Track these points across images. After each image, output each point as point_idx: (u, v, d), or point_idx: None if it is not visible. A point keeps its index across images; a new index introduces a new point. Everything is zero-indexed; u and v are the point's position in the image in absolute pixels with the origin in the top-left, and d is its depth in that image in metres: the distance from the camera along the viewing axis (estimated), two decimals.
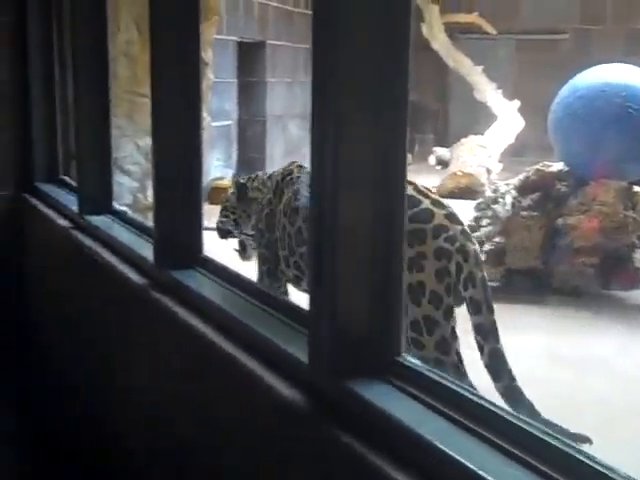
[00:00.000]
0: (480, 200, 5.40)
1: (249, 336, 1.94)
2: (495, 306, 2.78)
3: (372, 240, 1.63)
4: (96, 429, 3.01)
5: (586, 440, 2.56)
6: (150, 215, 4.29)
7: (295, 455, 1.70)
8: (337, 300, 1.64)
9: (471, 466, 1.32)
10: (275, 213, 3.26)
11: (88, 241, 3.12)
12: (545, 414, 2.54)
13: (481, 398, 1.50)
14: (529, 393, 2.62)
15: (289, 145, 11.07)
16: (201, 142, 2.49)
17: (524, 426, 1.38)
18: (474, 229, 5.17)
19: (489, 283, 2.89)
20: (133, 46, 4.19)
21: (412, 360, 1.68)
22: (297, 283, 3.26)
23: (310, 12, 1.74)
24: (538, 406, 2.62)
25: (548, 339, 4.27)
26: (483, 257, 5.00)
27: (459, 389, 1.55)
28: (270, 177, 3.45)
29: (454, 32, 12.41)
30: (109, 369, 2.87)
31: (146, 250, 2.65)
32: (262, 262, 3.35)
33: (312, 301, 1.72)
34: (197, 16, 2.38)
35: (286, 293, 3.32)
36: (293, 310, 1.97)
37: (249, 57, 10.04)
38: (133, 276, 2.60)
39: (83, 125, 3.33)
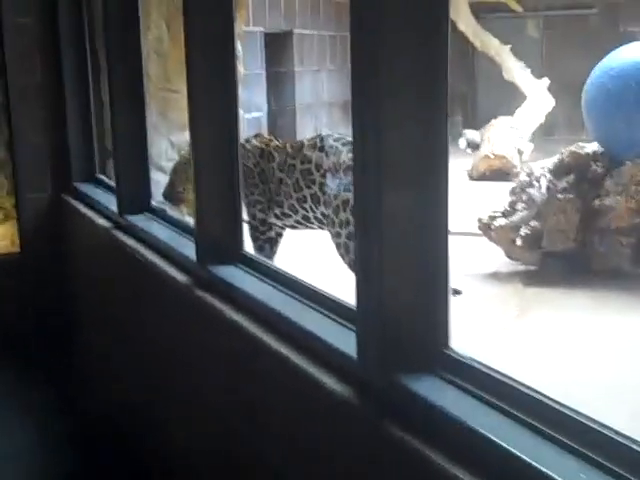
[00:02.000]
0: (514, 184, 5.36)
1: (295, 332, 1.95)
2: (536, 289, 2.77)
3: (417, 232, 1.63)
4: (142, 426, 3.06)
5: (455, 292, 2.72)
6: (184, 209, 4.36)
7: (346, 450, 1.71)
8: (384, 294, 1.64)
9: (526, 458, 1.32)
10: (266, 170, 4.18)
11: (129, 240, 3.16)
12: None
13: (532, 389, 1.49)
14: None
15: (318, 128, 11.04)
16: (239, 137, 2.51)
17: (578, 418, 1.37)
18: (509, 213, 5.14)
19: (527, 267, 2.93)
20: (163, 43, 4.21)
21: (460, 352, 1.69)
22: (285, 220, 4.20)
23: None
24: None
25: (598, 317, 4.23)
26: (519, 241, 4.98)
27: (510, 381, 1.55)
28: (249, 148, 4.29)
29: (480, 12, 12.27)
30: (155, 368, 2.91)
31: (187, 248, 2.67)
32: (253, 205, 4.23)
33: (359, 296, 1.72)
34: (231, 10, 2.39)
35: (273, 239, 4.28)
36: (339, 305, 1.97)
37: (276, 47, 10.03)
38: (176, 274, 2.63)
39: (119, 124, 3.35)
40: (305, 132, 10.58)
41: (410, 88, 1.57)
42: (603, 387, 3.19)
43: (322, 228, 4.06)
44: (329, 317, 1.97)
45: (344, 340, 1.80)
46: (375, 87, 1.57)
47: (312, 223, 4.09)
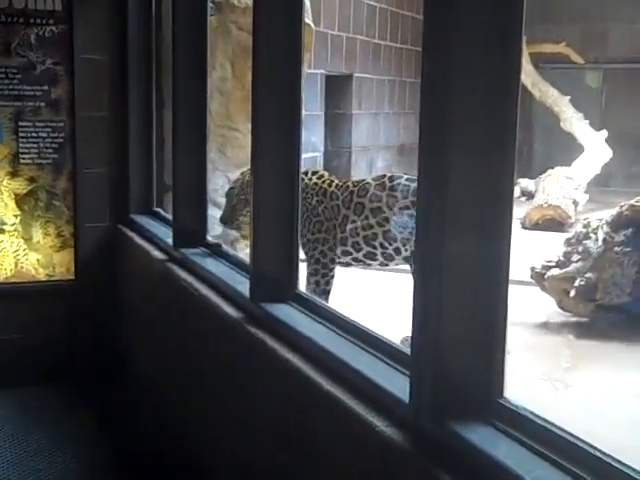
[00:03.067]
0: (569, 235, 5.29)
1: (348, 373, 1.94)
2: (588, 342, 2.71)
3: (478, 280, 1.62)
4: (190, 460, 3.06)
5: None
6: (238, 247, 4.41)
7: None
8: (440, 341, 1.63)
9: None
10: (330, 207, 4.37)
11: (183, 273, 3.20)
12: None
13: (589, 445, 1.46)
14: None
15: (374, 172, 11.10)
16: (299, 177, 2.54)
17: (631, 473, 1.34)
18: (564, 264, 5.07)
19: (579, 319, 2.95)
20: (226, 83, 4.31)
21: (515, 403, 1.66)
22: (342, 258, 4.38)
23: (393, 45, 1.76)
24: None
25: None
26: (573, 292, 4.90)
27: (565, 435, 1.52)
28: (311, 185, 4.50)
29: (539, 62, 12.26)
30: (205, 401, 2.92)
31: (241, 284, 2.70)
32: (321, 243, 4.34)
33: (414, 340, 1.71)
34: (300, 53, 2.43)
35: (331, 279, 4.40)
36: (392, 349, 1.96)
37: (336, 90, 10.16)
38: (228, 309, 2.65)
39: (180, 158, 3.42)
40: (359, 173, 10.65)
41: (480, 135, 1.57)
42: None
43: (385, 264, 4.40)
44: (383, 360, 1.96)
45: (397, 384, 1.79)
46: (443, 132, 1.58)
47: (375, 260, 4.36)
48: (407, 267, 4.41)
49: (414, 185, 4.14)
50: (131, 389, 4.00)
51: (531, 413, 1.61)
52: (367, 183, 4.40)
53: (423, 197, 1.66)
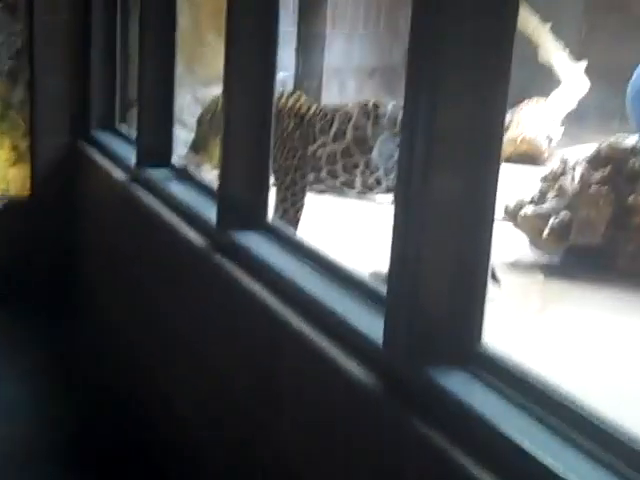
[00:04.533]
0: (547, 172, 5.19)
1: (319, 311, 1.84)
2: (559, 284, 2.64)
3: (462, 221, 1.53)
4: (145, 392, 2.97)
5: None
6: (203, 169, 4.23)
7: (363, 439, 1.63)
8: (418, 282, 1.55)
9: (555, 466, 1.26)
10: (306, 134, 4.16)
11: (146, 195, 3.04)
12: None
13: (567, 396, 1.41)
14: None
15: (345, 99, 10.86)
16: (273, 96, 2.36)
17: (612, 429, 1.30)
18: (539, 201, 4.98)
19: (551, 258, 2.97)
20: None
21: (494, 350, 1.59)
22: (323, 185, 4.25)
23: None
24: None
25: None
26: (547, 231, 4.83)
27: (544, 384, 1.45)
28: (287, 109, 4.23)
29: None
30: (168, 329, 2.80)
31: (208, 210, 2.55)
32: (294, 170, 4.11)
33: (391, 281, 1.62)
34: None
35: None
36: (367, 287, 1.86)
37: (310, 7, 9.87)
38: (193, 236, 2.52)
39: (146, 72, 3.19)
40: (330, 96, 10.40)
41: (472, 60, 1.45)
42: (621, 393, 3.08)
43: (363, 193, 4.28)
44: (357, 299, 1.86)
45: (371, 325, 1.69)
46: (434, 58, 1.45)
47: (354, 188, 4.21)
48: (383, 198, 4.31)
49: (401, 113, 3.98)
50: (86, 317, 3.88)
51: (509, 360, 1.55)
52: (349, 109, 4.19)
53: (407, 127, 1.54)
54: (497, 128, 1.51)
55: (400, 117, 3.62)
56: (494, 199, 1.53)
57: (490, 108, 1.48)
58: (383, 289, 1.70)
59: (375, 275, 2.99)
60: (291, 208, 4.18)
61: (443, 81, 1.45)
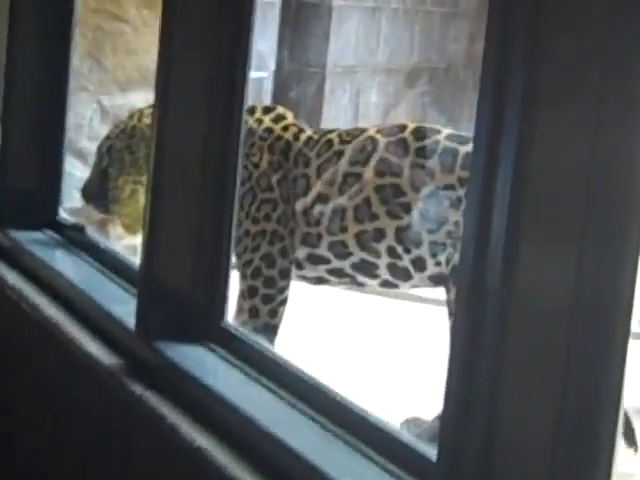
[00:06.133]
0: None
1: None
2: None
3: (571, 337, 0.90)
4: None
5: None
6: (112, 232, 2.71)
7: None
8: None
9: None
10: (292, 177, 2.60)
11: (12, 276, 2.01)
12: None
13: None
14: None
15: (363, 120, 5.64)
16: (242, 112, 1.55)
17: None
18: None
19: None
20: None
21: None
22: (311, 270, 2.60)
23: None
24: None
25: None
26: None
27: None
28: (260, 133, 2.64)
29: None
30: None
31: (121, 303, 1.77)
32: (268, 242, 2.56)
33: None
34: None
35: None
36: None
37: None
38: (95, 349, 1.72)
39: (17, 65, 2.10)
40: (337, 113, 5.67)
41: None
42: None
43: (391, 286, 2.61)
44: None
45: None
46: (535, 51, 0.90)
47: (375, 277, 2.58)
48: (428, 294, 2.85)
49: (465, 149, 2.45)
50: None
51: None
52: (370, 138, 2.57)
53: (480, 173, 0.97)
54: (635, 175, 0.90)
55: (464, 154, 2.43)
56: (630, 300, 0.91)
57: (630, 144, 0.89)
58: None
59: (410, 422, 2.36)
60: (262, 306, 2.60)
61: (551, 92, 0.91)
